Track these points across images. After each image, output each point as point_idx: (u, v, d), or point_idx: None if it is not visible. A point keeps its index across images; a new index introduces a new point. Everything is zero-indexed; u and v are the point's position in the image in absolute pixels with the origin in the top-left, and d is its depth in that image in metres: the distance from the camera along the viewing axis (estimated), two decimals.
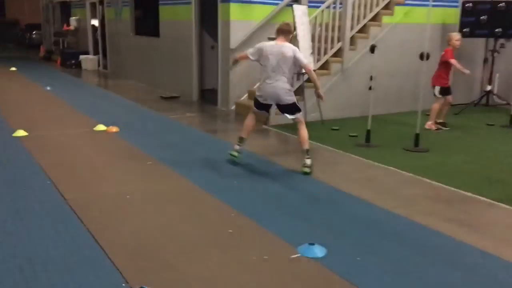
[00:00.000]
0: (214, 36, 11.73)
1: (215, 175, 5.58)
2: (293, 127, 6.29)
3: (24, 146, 6.62)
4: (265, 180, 5.43)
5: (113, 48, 15.26)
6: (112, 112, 9.28)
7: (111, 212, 4.42)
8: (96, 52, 16.84)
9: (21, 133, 7.22)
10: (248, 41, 9.23)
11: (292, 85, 5.84)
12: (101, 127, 7.70)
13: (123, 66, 14.73)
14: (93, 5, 16.63)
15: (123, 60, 14.68)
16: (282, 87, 5.54)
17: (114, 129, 7.65)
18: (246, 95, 9.56)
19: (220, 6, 9.44)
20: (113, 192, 4.94)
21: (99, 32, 16.34)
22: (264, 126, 8.14)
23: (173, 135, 7.57)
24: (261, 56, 5.59)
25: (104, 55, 16.08)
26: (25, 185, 5.06)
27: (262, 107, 5.81)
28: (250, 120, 5.94)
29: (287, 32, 5.66)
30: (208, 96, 10.94)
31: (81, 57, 16.75)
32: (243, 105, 9.24)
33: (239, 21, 9.23)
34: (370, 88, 7.13)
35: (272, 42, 5.64)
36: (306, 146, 5.69)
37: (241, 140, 5.93)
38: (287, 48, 5.51)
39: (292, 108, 5.72)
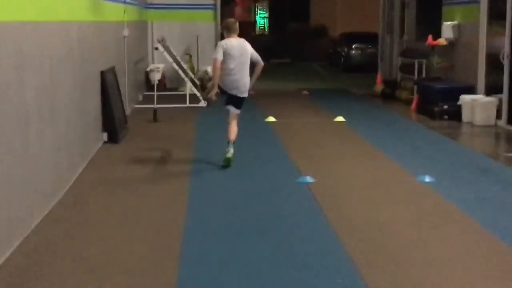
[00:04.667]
0: None
1: None
2: None
3: None
4: None
5: None
6: None
7: None
8: (492, 90, 8.45)
9: None
10: None
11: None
12: None
13: None
14: None
15: None
16: (246, 80, 5.97)
17: None
18: None
19: None
20: None
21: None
22: None
23: None
24: (224, 53, 5.85)
25: None
26: None
27: (232, 100, 6.02)
28: (235, 125, 6.11)
29: (238, 29, 6.07)
30: None
31: (462, 98, 8.61)
32: None
33: None
34: None
35: (230, 39, 5.91)
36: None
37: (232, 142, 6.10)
38: (246, 43, 6.02)
39: (243, 102, 6.10)
